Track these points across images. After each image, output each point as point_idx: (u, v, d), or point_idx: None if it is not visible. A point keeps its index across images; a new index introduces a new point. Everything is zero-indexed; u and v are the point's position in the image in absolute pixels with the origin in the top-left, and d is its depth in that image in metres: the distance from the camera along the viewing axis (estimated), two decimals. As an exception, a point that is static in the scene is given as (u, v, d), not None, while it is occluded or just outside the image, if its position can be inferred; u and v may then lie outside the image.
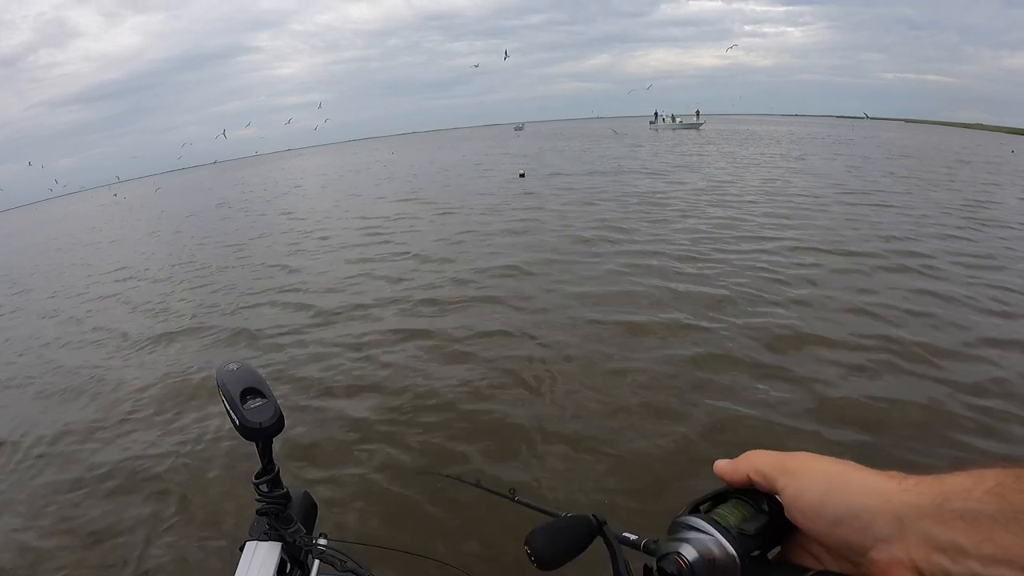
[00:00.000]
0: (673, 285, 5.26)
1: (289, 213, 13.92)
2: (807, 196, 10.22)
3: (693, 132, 41.08)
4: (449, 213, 10.62)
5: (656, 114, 50.06)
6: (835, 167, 15.75)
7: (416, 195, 14.00)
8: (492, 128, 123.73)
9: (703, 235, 7.28)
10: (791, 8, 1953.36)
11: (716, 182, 12.63)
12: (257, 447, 0.70)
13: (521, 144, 37.72)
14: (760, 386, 3.35)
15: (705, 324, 4.29)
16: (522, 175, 15.32)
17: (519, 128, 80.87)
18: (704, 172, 14.88)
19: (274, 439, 0.70)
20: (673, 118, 48.07)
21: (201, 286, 7.28)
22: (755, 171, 14.98)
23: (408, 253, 7.58)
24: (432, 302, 5.36)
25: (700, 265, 5.93)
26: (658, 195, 10.90)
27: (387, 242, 8.46)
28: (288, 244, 9.50)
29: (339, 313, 5.37)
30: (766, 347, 3.86)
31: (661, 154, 21.75)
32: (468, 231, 8.67)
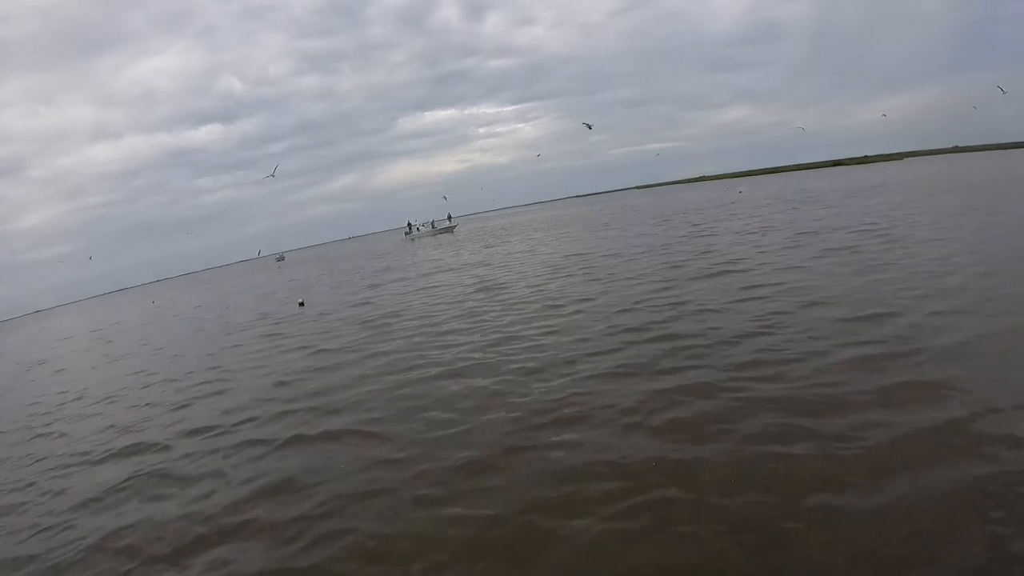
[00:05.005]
0: None
1: None
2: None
3: (449, 235, 42.74)
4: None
5: (410, 224, 50.25)
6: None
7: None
8: (252, 263, 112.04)
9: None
10: (519, 107, 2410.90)
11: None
12: None
13: (292, 273, 33.17)
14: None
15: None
16: (301, 304, 14.59)
17: (280, 259, 74.70)
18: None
19: None
20: (432, 225, 49.39)
21: None
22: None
23: None
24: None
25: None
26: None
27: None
28: None
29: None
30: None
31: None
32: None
